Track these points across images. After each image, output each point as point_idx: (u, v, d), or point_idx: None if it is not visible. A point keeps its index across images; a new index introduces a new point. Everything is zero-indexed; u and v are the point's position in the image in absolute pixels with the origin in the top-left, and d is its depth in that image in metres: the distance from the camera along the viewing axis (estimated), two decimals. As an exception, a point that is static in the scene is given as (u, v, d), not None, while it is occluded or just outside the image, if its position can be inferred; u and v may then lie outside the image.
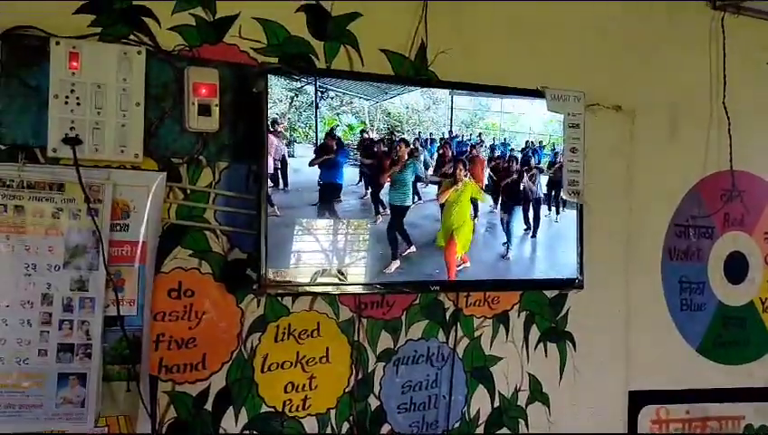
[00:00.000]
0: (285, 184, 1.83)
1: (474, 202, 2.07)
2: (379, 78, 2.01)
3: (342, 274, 1.90)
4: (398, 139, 1.99)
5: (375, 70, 2.04)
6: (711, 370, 2.61)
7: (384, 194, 1.97)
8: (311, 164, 1.87)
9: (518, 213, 2.15)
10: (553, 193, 2.19)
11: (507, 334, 2.28)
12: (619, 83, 2.45)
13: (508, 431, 2.28)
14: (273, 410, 1.94)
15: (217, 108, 1.81)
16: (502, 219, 2.13)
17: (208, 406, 1.86)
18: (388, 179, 1.97)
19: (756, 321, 2.70)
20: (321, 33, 2.01)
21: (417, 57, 2.14)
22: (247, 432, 1.91)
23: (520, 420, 2.30)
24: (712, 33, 2.60)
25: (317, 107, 1.87)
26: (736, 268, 2.66)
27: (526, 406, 2.30)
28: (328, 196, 1.90)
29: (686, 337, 2.57)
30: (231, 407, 1.88)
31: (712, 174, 2.62)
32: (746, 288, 2.68)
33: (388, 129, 1.98)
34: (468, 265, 2.07)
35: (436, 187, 2.05)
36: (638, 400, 2.48)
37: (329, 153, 1.89)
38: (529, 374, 2.31)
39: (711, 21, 2.61)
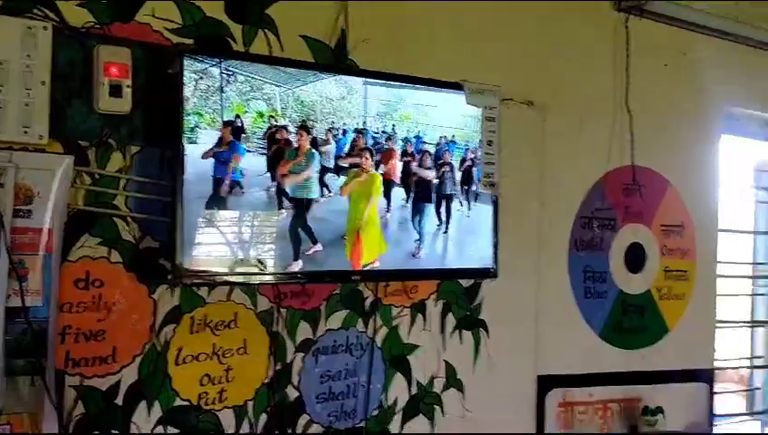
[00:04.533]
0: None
1: (387, 195, 2.07)
2: (289, 63, 1.94)
3: (262, 263, 1.87)
4: (298, 126, 1.90)
5: (295, 57, 2.01)
6: (612, 354, 2.75)
7: (287, 186, 1.89)
8: (203, 157, 1.76)
9: (430, 208, 2.16)
10: (465, 187, 2.23)
11: (425, 323, 2.31)
12: (531, 80, 2.53)
13: (424, 418, 2.31)
14: (187, 403, 1.88)
15: (129, 89, 1.73)
16: (413, 216, 2.13)
17: (119, 401, 1.77)
18: (287, 171, 1.88)
19: (653, 308, 2.86)
20: (239, 17, 1.96)
21: (338, 46, 2.13)
22: (161, 427, 1.84)
23: (436, 406, 2.34)
24: (617, 34, 2.73)
25: (222, 91, 1.80)
26: (635, 258, 2.81)
27: (442, 392, 2.35)
28: (224, 188, 1.79)
29: (589, 323, 2.70)
30: (143, 401, 1.81)
31: (615, 169, 2.76)
32: (644, 277, 2.84)
33: (301, 117, 1.92)
34: (377, 265, 2.05)
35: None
36: (545, 384, 2.58)
37: (221, 146, 1.79)
38: (445, 362, 2.35)
39: (616, 22, 2.74)
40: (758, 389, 3.61)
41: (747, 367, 3.68)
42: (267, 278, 1.91)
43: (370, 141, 2.03)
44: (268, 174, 1.85)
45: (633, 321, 2.80)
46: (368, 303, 2.20)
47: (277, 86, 1.87)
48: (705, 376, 3.00)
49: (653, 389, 2.84)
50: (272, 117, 1.85)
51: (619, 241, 2.78)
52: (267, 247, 1.84)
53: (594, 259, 2.71)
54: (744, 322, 3.62)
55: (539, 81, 2.55)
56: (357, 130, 1.99)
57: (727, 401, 3.45)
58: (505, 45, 2.47)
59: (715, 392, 3.06)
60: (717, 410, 3.09)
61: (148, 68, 1.79)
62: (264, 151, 1.84)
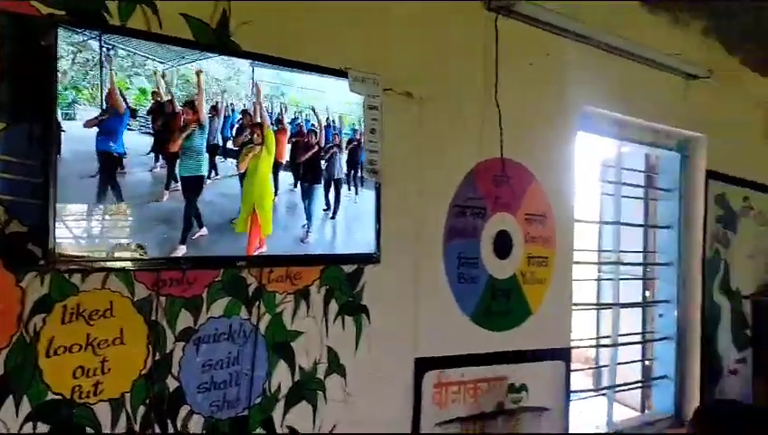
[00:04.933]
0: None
1: (275, 177, 2.06)
2: (174, 41, 1.89)
3: (143, 248, 1.79)
4: (184, 104, 1.85)
5: (174, 34, 1.95)
6: (482, 336, 2.89)
7: (176, 165, 1.85)
8: (86, 125, 1.67)
9: (319, 192, 2.18)
10: (352, 173, 2.26)
11: (308, 309, 2.32)
12: (410, 72, 2.60)
13: (307, 404, 2.32)
14: (60, 397, 1.77)
15: (-6, 60, 1.60)
16: (302, 199, 2.13)
17: (-18, 398, 1.64)
18: (175, 149, 1.83)
19: (518, 292, 3.04)
20: (115, -10, 1.86)
21: (219, 26, 2.08)
22: (30, 424, 1.72)
23: (318, 391, 2.35)
24: (488, 32, 2.87)
25: (102, 66, 1.71)
26: (503, 245, 2.98)
27: (325, 378, 2.36)
28: (107, 166, 1.72)
29: (462, 307, 2.82)
30: (11, 396, 1.68)
31: (486, 160, 2.90)
32: (511, 263, 3.01)
33: (186, 96, 1.87)
34: (264, 249, 2.04)
35: (235, 160, 1.99)
36: (422, 366, 2.67)
37: (106, 115, 1.71)
38: (328, 347, 2.37)
39: (487, 21, 2.89)
40: (605, 366, 3.96)
41: (595, 346, 4.02)
42: (148, 265, 1.83)
43: (257, 119, 2.00)
44: (152, 154, 1.77)
45: (501, 304, 2.97)
46: (251, 290, 2.17)
47: (161, 63, 1.79)
48: (563, 355, 3.23)
49: (518, 368, 3.02)
50: (155, 94, 1.78)
51: (489, 229, 2.93)
52: (150, 231, 1.77)
53: (467, 246, 2.84)
54: (594, 304, 3.95)
55: (418, 73, 2.63)
56: (244, 111, 1.96)
57: (579, 377, 3.76)
58: (387, 36, 2.53)
59: (572, 370, 3.31)
60: (573, 386, 3.34)
61: (16, 39, 1.65)
62: (149, 130, 1.76)
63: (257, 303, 2.18)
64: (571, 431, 3.28)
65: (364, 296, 2.47)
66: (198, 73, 1.87)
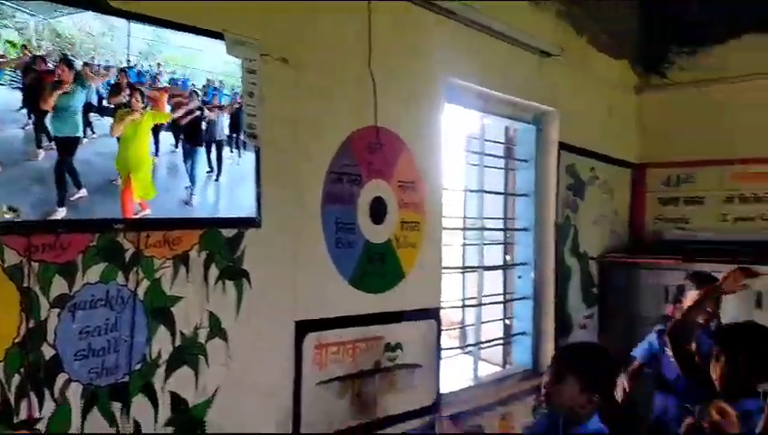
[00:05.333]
0: None
1: (155, 138, 2.03)
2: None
3: (15, 210, 1.70)
4: (59, 59, 1.78)
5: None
6: (359, 298, 3.00)
7: (49, 123, 1.78)
8: None
9: (201, 154, 2.17)
10: (234, 135, 2.26)
11: (188, 274, 2.30)
12: (288, 38, 2.62)
13: (189, 368, 2.32)
14: (-77, 370, 1.66)
15: None
16: (185, 161, 2.12)
17: None
18: (52, 105, 1.76)
19: (392, 256, 3.18)
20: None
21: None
22: None
23: (200, 356, 2.35)
24: (362, 3, 2.94)
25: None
26: (378, 211, 3.09)
27: (206, 342, 2.37)
28: None
29: (340, 271, 2.91)
30: None
31: (361, 128, 2.99)
32: (386, 228, 3.13)
33: (59, 51, 1.79)
34: (148, 212, 2.01)
35: (112, 120, 1.94)
36: (303, 328, 2.74)
37: None
38: (209, 312, 2.38)
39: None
40: (471, 326, 4.21)
41: (461, 307, 4.26)
42: (23, 227, 1.75)
43: (134, 80, 1.95)
44: (24, 110, 1.68)
45: (376, 267, 3.08)
46: (128, 255, 2.13)
47: (31, 15, 1.70)
48: (434, 315, 3.42)
49: (393, 328, 3.16)
50: (25, 47, 1.69)
51: (365, 195, 3.02)
52: (24, 192, 1.69)
53: (343, 212, 2.92)
54: (460, 267, 4.18)
55: (295, 40, 2.66)
56: (121, 69, 1.90)
57: (448, 337, 3.98)
58: (266, 2, 2.53)
59: (442, 329, 3.51)
60: (442, 345, 3.54)
61: None
62: (19, 85, 1.68)
63: (135, 268, 2.14)
64: (441, 386, 3.48)
65: (244, 261, 2.49)
66: (71, 28, 1.80)
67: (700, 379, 3.04)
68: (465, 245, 4.25)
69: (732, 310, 3.88)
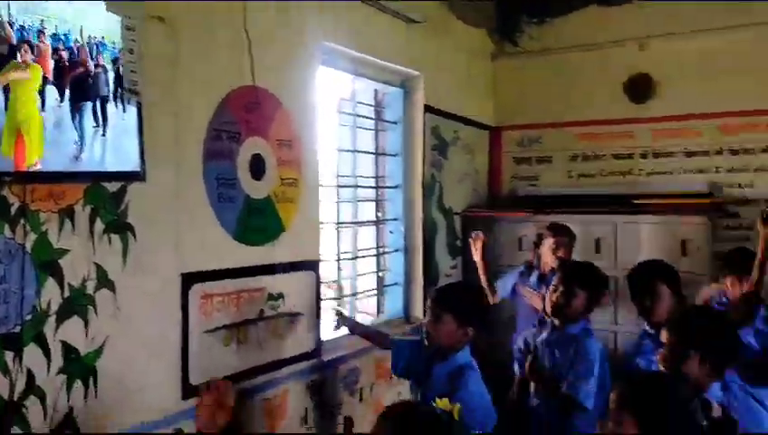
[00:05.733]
0: None
1: (41, 93, 2.05)
2: None
3: None
4: None
5: None
6: (243, 251, 3.14)
7: None
8: None
9: (87, 110, 2.21)
10: (118, 90, 2.32)
11: (74, 228, 2.35)
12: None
13: (78, 318, 2.38)
14: None
15: None
16: (72, 116, 2.15)
17: None
18: None
19: (272, 210, 3.33)
20: None
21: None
22: None
23: (89, 306, 2.42)
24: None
25: None
26: (257, 167, 3.23)
27: (94, 293, 2.43)
28: None
29: (223, 225, 3.03)
30: None
31: (239, 87, 3.10)
32: (265, 184, 3.28)
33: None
34: (39, 167, 2.04)
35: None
36: (188, 280, 2.85)
37: None
38: (95, 264, 2.44)
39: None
40: (347, 278, 4.46)
41: (337, 260, 4.49)
42: None
43: (16, 34, 1.97)
44: None
45: (257, 221, 3.23)
46: (14, 209, 2.15)
47: None
48: (313, 266, 3.63)
49: (275, 279, 3.34)
50: None
51: (244, 152, 3.15)
52: None
53: (224, 168, 3.04)
54: (335, 223, 4.40)
55: (172, -1, 2.72)
56: (4, 22, 1.92)
57: (326, 287, 4.20)
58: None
59: (321, 281, 3.73)
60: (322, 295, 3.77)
61: None
62: None
63: (21, 222, 2.17)
64: (321, 333, 3.71)
65: (129, 215, 2.56)
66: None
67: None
68: (339, 202, 4.47)
69: (575, 255, 4.39)
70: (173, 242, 2.78)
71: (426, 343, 2.99)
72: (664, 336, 2.45)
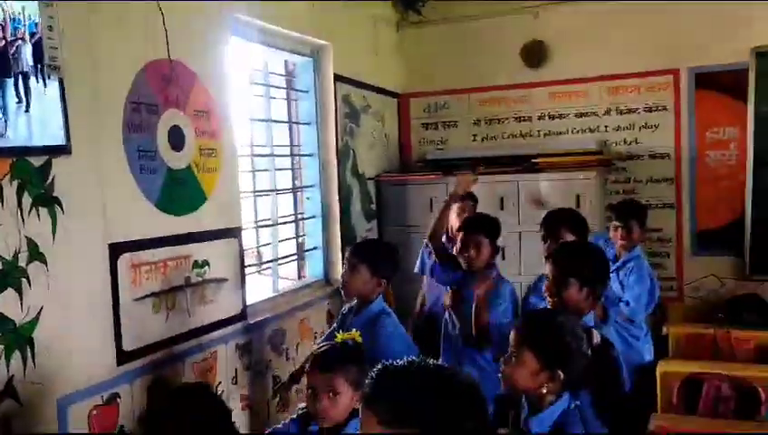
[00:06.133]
0: None
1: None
2: None
3: None
4: None
5: None
6: (167, 220, 3.23)
7: None
8: None
9: (9, 85, 2.24)
10: (39, 66, 2.36)
11: (2, 203, 2.40)
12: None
13: (13, 291, 2.44)
14: None
15: None
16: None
17: None
18: None
19: (194, 180, 3.43)
20: None
21: None
22: None
23: (22, 279, 2.48)
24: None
25: None
26: (177, 139, 3.31)
27: (27, 266, 2.49)
28: None
29: (147, 196, 3.11)
30: None
31: (156, 60, 3.16)
32: (185, 155, 3.37)
33: None
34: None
35: None
36: (116, 250, 2.93)
37: None
38: (26, 238, 2.49)
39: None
40: (268, 244, 4.60)
41: (256, 227, 4.63)
42: None
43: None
44: None
45: (180, 191, 3.32)
46: (-59, 185, 2.19)
47: None
48: (236, 233, 3.76)
49: (199, 246, 3.45)
50: None
51: (163, 124, 3.22)
52: None
53: (145, 140, 3.11)
54: (254, 191, 4.53)
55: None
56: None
57: (250, 254, 4.34)
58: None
59: (244, 249, 3.86)
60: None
61: None
62: None
63: (-51, 198, 2.21)
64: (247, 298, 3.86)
65: (56, 188, 2.61)
66: None
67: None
68: (256, 171, 4.58)
69: (479, 210, 4.71)
70: (100, 213, 2.85)
71: (342, 293, 3.26)
72: (548, 269, 2.79)
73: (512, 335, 2.17)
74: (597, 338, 2.22)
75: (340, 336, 2.50)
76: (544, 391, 2.06)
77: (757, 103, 5.17)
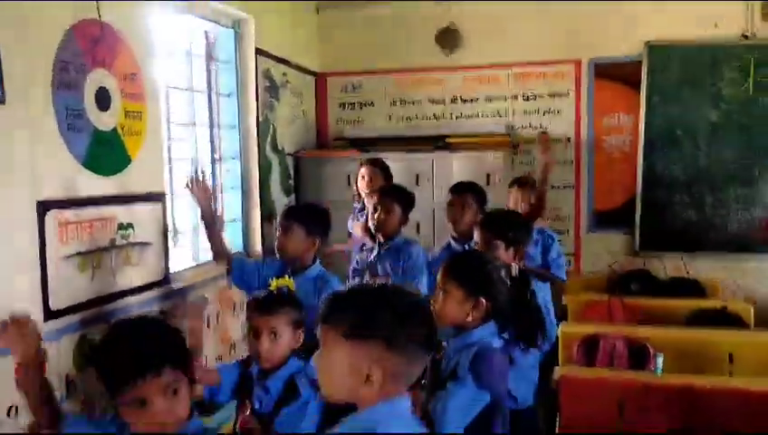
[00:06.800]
0: None
1: None
2: None
3: None
4: None
5: None
6: (93, 181, 3.22)
7: None
8: None
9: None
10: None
11: (-70, 150, 2.35)
12: None
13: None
14: None
15: None
16: None
17: None
18: None
19: (119, 142, 3.41)
20: None
21: None
22: None
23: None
24: None
25: None
26: (104, 99, 3.29)
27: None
28: None
29: (74, 155, 3.09)
30: None
31: (85, 20, 3.13)
32: (111, 115, 3.35)
33: None
34: None
35: None
36: (44, 207, 2.91)
37: None
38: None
39: None
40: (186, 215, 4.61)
41: (170, 196, 4.61)
42: None
43: None
44: None
45: (106, 152, 3.30)
46: None
47: None
48: (160, 198, 3.76)
49: (124, 209, 3.45)
50: None
51: (91, 84, 3.20)
52: None
53: (73, 99, 3.08)
54: (174, 159, 4.52)
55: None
56: None
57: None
58: None
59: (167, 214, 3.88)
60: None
61: None
62: None
63: None
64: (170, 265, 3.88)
65: (-16, 141, 2.58)
66: None
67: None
68: (174, 140, 4.57)
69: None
70: (28, 170, 2.82)
71: (278, 256, 3.36)
72: (476, 234, 3.04)
73: (439, 274, 2.36)
74: (515, 271, 2.46)
75: (274, 283, 2.62)
76: (470, 319, 2.26)
77: (649, 93, 5.66)
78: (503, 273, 2.36)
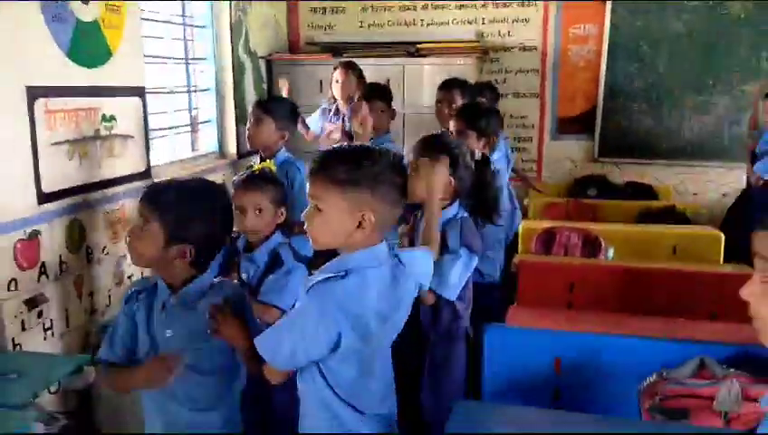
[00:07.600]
0: None
1: None
2: None
3: None
4: None
5: None
6: (77, 72, 3.31)
7: None
8: None
9: None
10: None
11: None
12: None
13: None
14: None
15: None
16: None
17: None
18: None
19: (100, 34, 3.48)
20: None
21: None
22: None
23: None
24: None
25: None
26: None
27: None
28: None
29: (59, 45, 3.16)
30: None
31: None
32: (92, 7, 3.39)
33: None
34: None
35: None
36: (34, 93, 3.02)
37: None
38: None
39: None
40: (164, 112, 4.70)
41: (153, 92, 4.70)
42: None
43: None
44: None
45: (88, 43, 3.38)
46: None
47: None
48: (140, 93, 3.87)
49: (107, 101, 3.56)
50: None
51: None
52: None
53: None
54: (150, 56, 4.57)
55: None
56: None
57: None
58: None
59: (148, 112, 3.98)
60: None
61: None
62: None
63: None
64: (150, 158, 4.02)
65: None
66: None
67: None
68: (147, 37, 4.60)
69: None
70: (14, 57, 2.91)
71: (248, 145, 3.58)
72: (452, 124, 3.27)
73: (411, 153, 2.57)
74: (478, 155, 2.68)
75: (257, 166, 2.82)
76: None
77: (614, 4, 5.81)
78: (467, 157, 2.58)
